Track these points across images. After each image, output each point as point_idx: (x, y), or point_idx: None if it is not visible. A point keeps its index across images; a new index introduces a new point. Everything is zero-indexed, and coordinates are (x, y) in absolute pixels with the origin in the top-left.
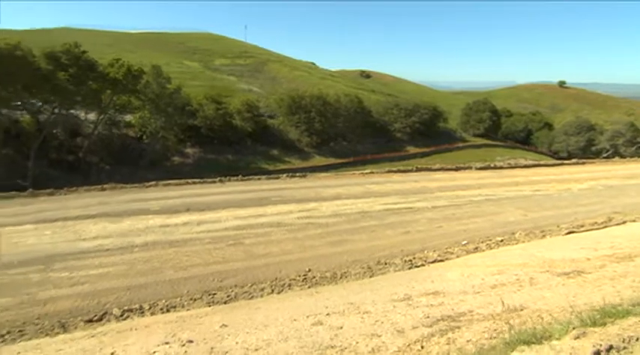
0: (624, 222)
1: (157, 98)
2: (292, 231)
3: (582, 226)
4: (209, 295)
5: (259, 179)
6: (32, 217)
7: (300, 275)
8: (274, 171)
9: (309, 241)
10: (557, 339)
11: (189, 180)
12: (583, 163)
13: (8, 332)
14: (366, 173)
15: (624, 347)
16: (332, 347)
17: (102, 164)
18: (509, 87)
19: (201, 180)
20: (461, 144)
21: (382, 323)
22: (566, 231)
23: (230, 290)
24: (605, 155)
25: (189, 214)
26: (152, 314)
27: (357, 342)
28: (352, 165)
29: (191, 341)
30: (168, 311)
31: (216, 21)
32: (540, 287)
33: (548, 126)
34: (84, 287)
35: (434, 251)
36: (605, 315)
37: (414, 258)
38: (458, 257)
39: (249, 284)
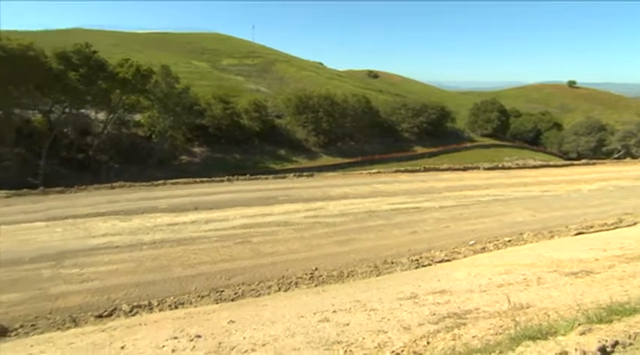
0: (635, 224)
1: (165, 98)
2: (299, 230)
3: (592, 227)
4: (217, 292)
5: (266, 178)
6: (43, 214)
7: (307, 274)
8: (281, 170)
9: (316, 240)
10: (562, 335)
11: (197, 179)
12: (593, 164)
13: (21, 326)
14: (374, 173)
15: (630, 344)
16: (338, 342)
17: (111, 163)
18: (517, 87)
19: (209, 179)
20: (469, 145)
21: (388, 320)
22: (575, 232)
23: (237, 287)
24: (616, 156)
25: (197, 213)
26: (160, 310)
27: (364, 338)
28: (360, 165)
29: (199, 336)
30: (176, 307)
31: (224, 21)
32: (547, 286)
33: (558, 126)
34: (94, 283)
35: (441, 251)
36: (612, 313)
37: (421, 258)
38: (465, 257)
39: (257, 282)
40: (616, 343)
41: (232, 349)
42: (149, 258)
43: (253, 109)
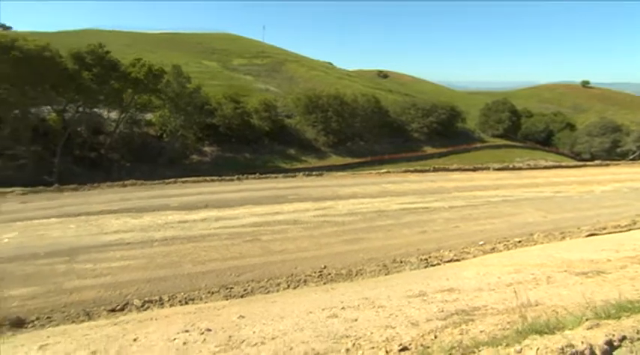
0: None
1: (176, 97)
2: (308, 229)
3: (604, 229)
4: (226, 289)
5: (276, 177)
6: (57, 211)
7: (315, 272)
8: (291, 169)
9: (325, 239)
10: (569, 330)
11: (208, 178)
12: (607, 165)
13: (37, 318)
14: (383, 172)
15: (638, 338)
16: (347, 336)
17: (123, 161)
18: (529, 87)
19: (219, 178)
20: (479, 145)
21: (396, 316)
22: (587, 233)
23: (247, 284)
24: (631, 157)
25: (207, 211)
26: (171, 305)
27: (372, 333)
28: (369, 165)
29: (209, 330)
30: (186, 303)
31: (235, 21)
32: (557, 285)
33: (571, 126)
34: (106, 278)
35: (450, 250)
36: (621, 309)
37: (430, 257)
38: (474, 257)
39: (266, 280)
40: (623, 338)
41: (242, 342)
42: (160, 255)
43: (263, 109)
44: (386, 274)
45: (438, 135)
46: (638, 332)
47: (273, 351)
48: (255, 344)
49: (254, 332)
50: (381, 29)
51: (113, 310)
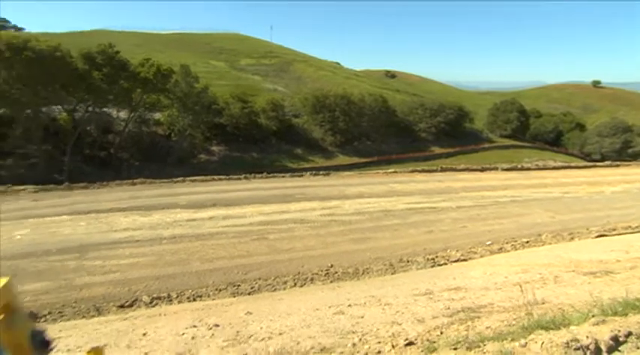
0: None
1: (185, 97)
2: (315, 228)
3: (614, 230)
4: (234, 286)
5: (283, 177)
6: (68, 209)
7: (322, 270)
8: (298, 169)
9: (332, 238)
10: (575, 325)
11: (216, 177)
12: (617, 166)
13: (49, 313)
14: (390, 172)
15: None
16: (353, 332)
17: (132, 160)
18: (538, 87)
19: (227, 177)
20: (487, 145)
21: (403, 313)
22: (597, 234)
23: (254, 282)
24: None
25: (215, 209)
26: (179, 302)
27: (378, 329)
28: (376, 165)
29: (217, 325)
30: (194, 300)
31: (243, 22)
32: (564, 284)
33: (580, 127)
34: (115, 275)
35: (457, 250)
36: (628, 307)
37: (437, 257)
38: (482, 257)
39: (273, 278)
40: (629, 333)
41: (250, 337)
42: (168, 252)
43: (271, 109)
44: (392, 273)
45: (446, 135)
46: None
47: (281, 345)
48: (263, 339)
49: (261, 328)
50: (389, 29)
51: (122, 306)
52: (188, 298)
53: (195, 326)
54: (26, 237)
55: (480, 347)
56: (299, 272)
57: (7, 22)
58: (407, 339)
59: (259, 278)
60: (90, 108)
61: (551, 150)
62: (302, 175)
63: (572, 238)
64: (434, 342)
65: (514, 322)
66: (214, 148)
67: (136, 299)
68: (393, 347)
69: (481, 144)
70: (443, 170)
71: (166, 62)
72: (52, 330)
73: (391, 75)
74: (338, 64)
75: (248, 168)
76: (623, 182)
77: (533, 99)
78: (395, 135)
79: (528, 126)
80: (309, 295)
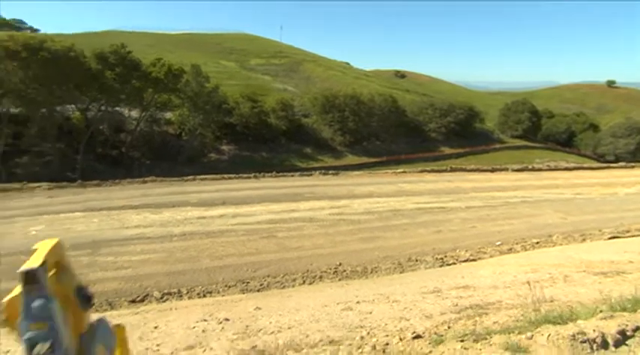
0: None
1: (195, 96)
2: (324, 227)
3: (628, 231)
4: (243, 283)
5: (292, 176)
6: (81, 206)
7: (331, 268)
8: (307, 168)
9: (341, 237)
10: (583, 320)
11: (226, 176)
12: (632, 167)
13: None
14: (399, 172)
15: None
16: (361, 326)
17: (143, 159)
18: (551, 87)
19: (237, 176)
20: (498, 146)
21: (411, 310)
22: (610, 236)
23: (263, 279)
24: None
25: (225, 207)
26: (190, 298)
27: (386, 324)
28: (385, 165)
29: (227, 320)
30: (204, 296)
31: (252, 22)
32: (574, 284)
33: (594, 127)
34: (127, 271)
35: (466, 250)
36: (637, 303)
37: (446, 257)
38: (491, 257)
39: (282, 275)
40: (637, 328)
41: (259, 331)
42: (179, 249)
43: (280, 108)
44: (401, 272)
45: (456, 135)
46: None
47: (290, 338)
48: (272, 332)
49: (270, 323)
50: (399, 29)
51: (134, 301)
52: (198, 294)
53: (205, 320)
54: (41, 233)
55: (486, 339)
56: (308, 270)
57: (24, 23)
58: (414, 332)
59: (268, 276)
60: (102, 108)
61: (563, 151)
62: (311, 174)
63: (583, 239)
64: (441, 335)
65: (521, 317)
66: (224, 147)
67: (147, 295)
68: (400, 339)
69: (492, 145)
70: (452, 170)
71: (177, 62)
72: None
73: (401, 75)
74: (347, 63)
75: (258, 167)
76: (638, 183)
77: (545, 99)
78: (404, 135)
79: (540, 126)
80: (317, 292)
